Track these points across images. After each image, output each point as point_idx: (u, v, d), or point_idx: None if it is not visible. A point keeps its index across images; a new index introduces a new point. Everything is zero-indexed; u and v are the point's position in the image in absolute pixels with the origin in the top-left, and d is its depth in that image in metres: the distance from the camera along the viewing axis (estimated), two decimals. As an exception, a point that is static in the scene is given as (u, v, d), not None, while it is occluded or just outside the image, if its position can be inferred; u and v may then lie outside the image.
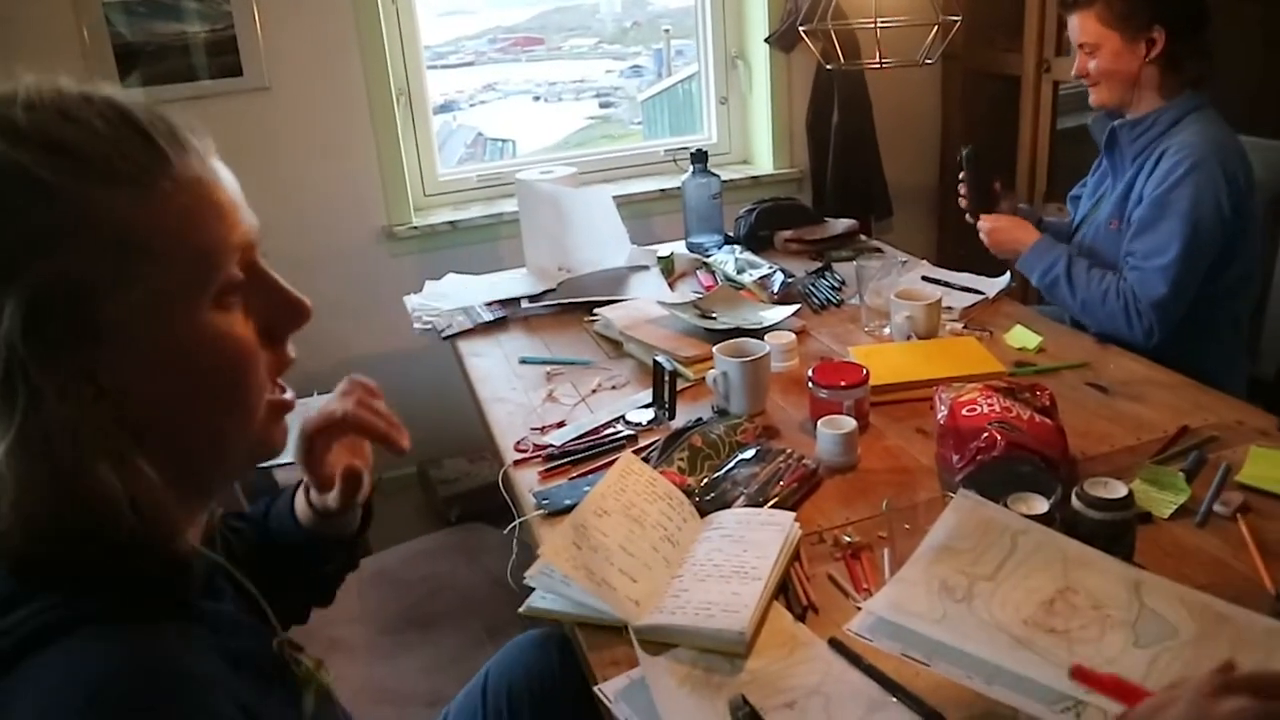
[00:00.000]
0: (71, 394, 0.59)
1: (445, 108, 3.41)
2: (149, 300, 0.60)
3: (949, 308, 1.96)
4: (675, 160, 3.22)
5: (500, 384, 1.83)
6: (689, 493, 1.33)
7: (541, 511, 1.36)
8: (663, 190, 3.11)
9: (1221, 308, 1.89)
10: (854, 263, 2.13)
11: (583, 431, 1.59)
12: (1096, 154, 2.11)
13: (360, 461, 0.95)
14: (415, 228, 2.94)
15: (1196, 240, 1.77)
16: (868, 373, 1.53)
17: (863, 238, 2.54)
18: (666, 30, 3.74)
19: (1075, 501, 1.09)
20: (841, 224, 2.52)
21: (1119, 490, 1.09)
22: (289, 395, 0.73)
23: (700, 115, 3.44)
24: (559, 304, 2.18)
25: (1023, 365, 1.72)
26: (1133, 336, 1.83)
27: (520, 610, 1.19)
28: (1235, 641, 0.90)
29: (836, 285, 2.17)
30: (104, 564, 0.61)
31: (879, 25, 1.99)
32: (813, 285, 2.16)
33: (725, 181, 2.57)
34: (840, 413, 1.47)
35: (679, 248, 2.47)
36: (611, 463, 1.35)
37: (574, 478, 1.45)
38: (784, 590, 1.15)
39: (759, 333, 1.80)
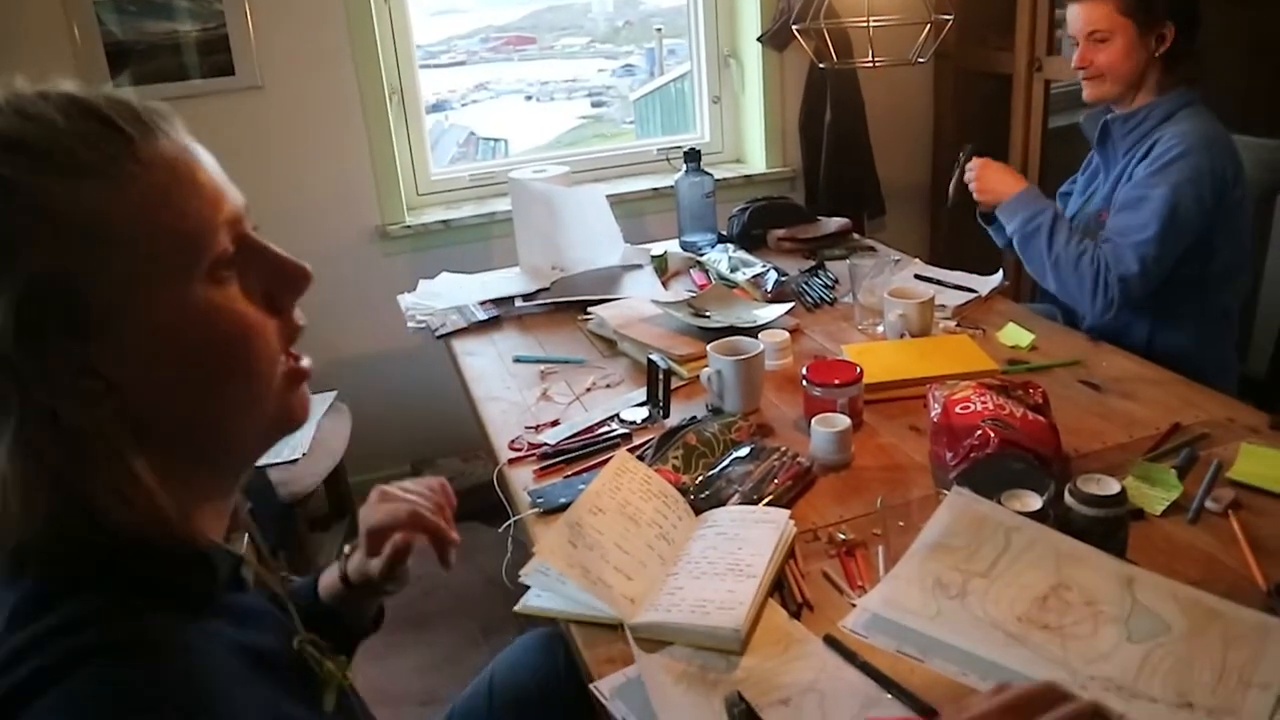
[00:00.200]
0: (77, 391, 0.59)
1: (437, 107, 3.40)
2: (134, 285, 0.60)
3: (942, 306, 1.96)
4: (668, 159, 3.22)
5: (494, 383, 1.83)
6: (684, 491, 1.33)
7: (536, 510, 1.36)
8: (655, 189, 3.11)
9: (1210, 301, 1.90)
10: (847, 261, 2.13)
11: (577, 430, 1.59)
12: (1087, 152, 2.12)
13: (412, 537, 1.00)
14: (408, 227, 2.94)
15: (1174, 223, 1.79)
16: (861, 371, 1.53)
17: (855, 236, 2.55)
18: (658, 29, 3.74)
19: (1068, 498, 1.10)
20: (834, 222, 2.53)
21: (1111, 487, 1.09)
22: (305, 363, 0.72)
23: (693, 114, 3.44)
24: (553, 303, 2.18)
25: (1015, 363, 1.73)
26: (1092, 307, 1.85)
27: (515, 609, 1.19)
28: (1226, 636, 0.90)
29: (830, 284, 2.17)
30: (124, 560, 0.61)
31: (871, 24, 1.99)
32: (806, 284, 2.16)
33: (718, 180, 2.57)
34: (834, 411, 1.48)
35: (672, 246, 2.47)
36: (606, 461, 1.35)
37: (569, 476, 1.46)
38: (779, 588, 1.16)
39: (753, 331, 1.81)
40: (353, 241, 2.91)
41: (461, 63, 3.69)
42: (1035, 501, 1.09)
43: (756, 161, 3.33)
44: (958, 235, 2.23)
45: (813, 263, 2.31)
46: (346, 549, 1.07)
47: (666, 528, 1.25)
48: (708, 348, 1.62)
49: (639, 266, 2.33)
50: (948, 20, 2.03)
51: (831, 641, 1.05)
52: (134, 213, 0.60)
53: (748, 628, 1.07)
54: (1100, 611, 0.94)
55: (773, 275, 2.14)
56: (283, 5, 2.68)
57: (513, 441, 1.58)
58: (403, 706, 1.94)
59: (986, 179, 2.04)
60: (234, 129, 2.68)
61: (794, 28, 2.36)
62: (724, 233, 2.54)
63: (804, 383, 1.53)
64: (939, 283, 2.12)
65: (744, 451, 1.41)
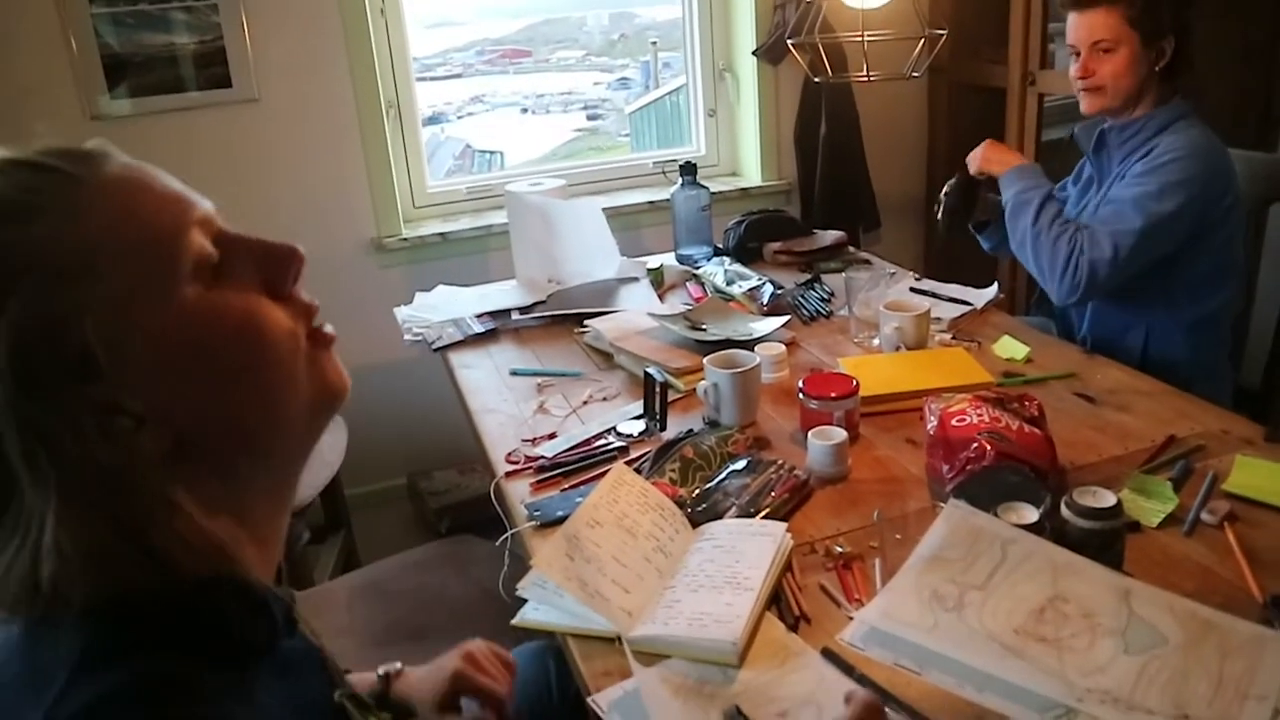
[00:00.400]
0: (107, 432, 0.57)
1: (433, 119, 3.41)
2: (123, 309, 0.58)
3: (937, 319, 1.97)
4: (664, 172, 3.23)
5: (491, 396, 1.83)
6: (681, 504, 1.33)
7: (533, 523, 1.36)
8: (651, 202, 3.13)
9: (1202, 308, 1.91)
10: (843, 274, 2.14)
11: (574, 443, 1.59)
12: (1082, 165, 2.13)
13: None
14: (405, 239, 2.94)
15: (1157, 221, 1.80)
16: (857, 384, 1.53)
17: (851, 249, 2.56)
18: (654, 42, 3.76)
19: (1064, 511, 1.10)
20: (830, 235, 2.54)
21: (1107, 499, 1.10)
22: (327, 329, 0.70)
23: (688, 127, 3.45)
24: (549, 316, 2.18)
25: (1011, 375, 1.73)
26: (1059, 286, 1.87)
27: (513, 622, 1.19)
28: (1222, 648, 0.91)
29: (825, 297, 2.18)
30: (184, 610, 0.60)
31: (866, 39, 2.00)
32: (802, 297, 2.17)
33: (714, 193, 2.58)
34: (831, 423, 1.48)
35: (668, 259, 2.48)
36: (603, 474, 1.35)
37: (566, 489, 1.46)
38: (776, 600, 1.16)
39: (749, 344, 1.81)
40: (349, 254, 2.91)
41: (458, 75, 3.70)
42: (1031, 514, 1.10)
43: (752, 175, 3.34)
44: (953, 248, 2.24)
45: (808, 276, 2.32)
46: (387, 671, 1.10)
47: (664, 540, 1.25)
48: (704, 360, 1.63)
49: (635, 279, 2.33)
50: (941, 35, 2.04)
51: (829, 654, 1.05)
52: (99, 238, 0.59)
53: (745, 641, 1.07)
54: (1097, 624, 0.94)
55: (769, 288, 2.14)
56: (279, 18, 2.69)
57: (510, 454, 1.58)
58: None
59: (991, 155, 2.07)
60: (230, 141, 2.69)
61: (789, 42, 2.37)
62: (720, 246, 2.54)
63: (800, 396, 1.53)
64: (934, 295, 2.13)
65: (741, 464, 1.41)
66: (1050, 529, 1.09)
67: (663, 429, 1.61)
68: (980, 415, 1.34)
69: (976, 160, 2.09)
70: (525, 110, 3.96)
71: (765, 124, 3.25)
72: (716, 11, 3.26)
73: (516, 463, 1.55)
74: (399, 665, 1.10)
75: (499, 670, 1.12)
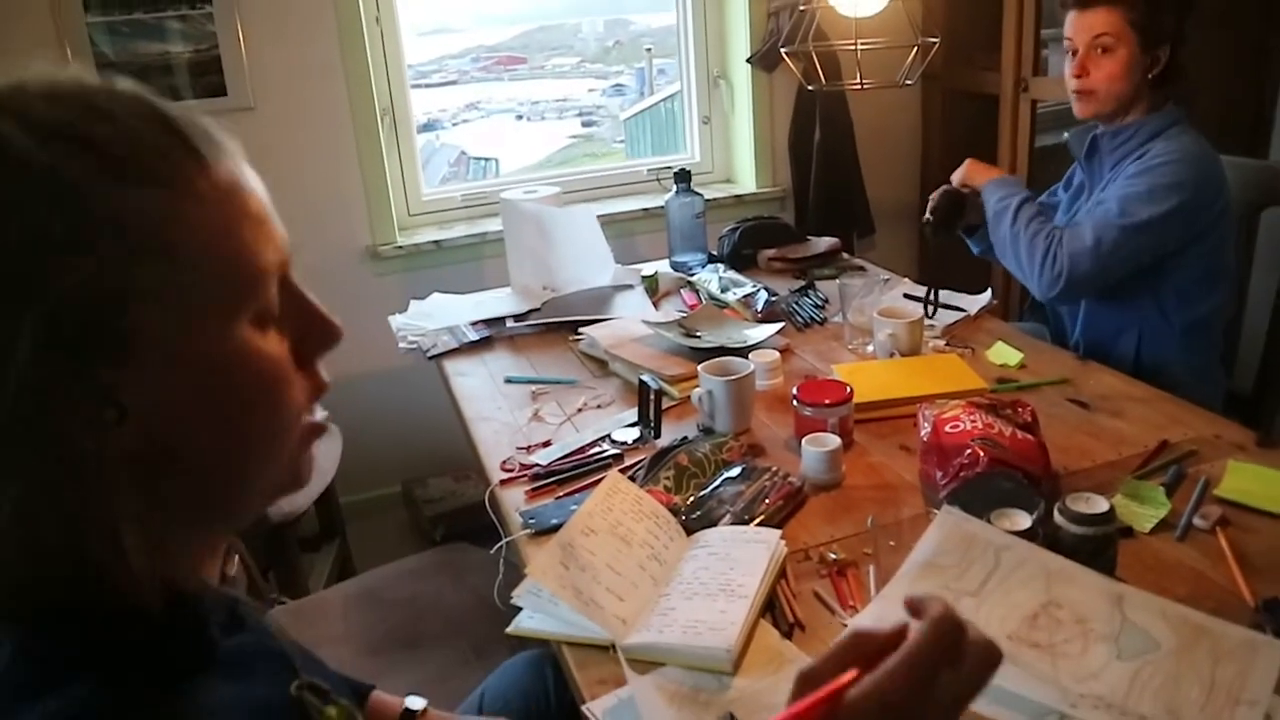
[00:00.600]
0: (91, 419, 0.53)
1: (428, 127, 3.42)
2: (181, 312, 0.55)
3: (931, 325, 1.98)
4: (658, 179, 3.24)
5: (486, 403, 1.83)
6: (675, 511, 1.34)
7: (528, 531, 1.36)
8: (646, 209, 3.13)
9: (1193, 311, 1.92)
10: (837, 281, 2.14)
11: (569, 451, 1.59)
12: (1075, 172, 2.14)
13: None
14: (400, 247, 2.94)
15: (1143, 220, 1.81)
16: (851, 390, 1.54)
17: (845, 256, 2.56)
18: (648, 49, 3.77)
19: (1057, 517, 1.10)
20: (824, 242, 2.54)
21: (1100, 505, 1.10)
22: (321, 419, 0.68)
23: (683, 134, 3.46)
24: (544, 323, 2.18)
25: (1004, 382, 1.74)
26: (1040, 279, 1.89)
27: (508, 630, 1.19)
28: (1214, 653, 0.91)
29: (819, 303, 2.18)
30: (119, 623, 0.56)
31: (859, 47, 2.01)
32: (796, 303, 2.18)
33: (708, 200, 2.59)
34: (824, 430, 1.48)
35: (663, 267, 2.48)
36: (598, 482, 1.35)
37: (560, 497, 1.46)
38: (770, 608, 1.16)
39: (743, 351, 1.82)
40: (344, 262, 2.91)
41: (452, 82, 3.71)
42: (1025, 520, 1.10)
43: (746, 182, 3.35)
44: (946, 255, 2.25)
45: (803, 282, 2.33)
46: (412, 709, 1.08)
47: (658, 548, 1.25)
48: (699, 368, 1.63)
49: (630, 287, 2.34)
50: (934, 43, 2.05)
51: (823, 661, 1.05)
52: (197, 235, 0.56)
53: (740, 648, 1.07)
54: (1090, 629, 0.94)
55: (763, 295, 2.15)
56: (275, 26, 2.69)
57: (504, 462, 1.58)
58: (394, 728, 1.92)
59: (973, 170, 2.10)
60: (225, 150, 2.69)
61: (783, 50, 2.38)
62: (714, 253, 2.55)
63: (794, 402, 1.54)
64: (929, 302, 2.13)
65: (735, 471, 1.42)
66: (1044, 535, 1.09)
67: (657, 436, 1.61)
68: (974, 421, 1.35)
69: (961, 174, 2.11)
70: (520, 117, 3.97)
71: (759, 131, 3.26)
72: (711, 19, 3.27)
73: (511, 470, 1.55)
74: (425, 705, 1.08)
75: None
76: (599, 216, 2.38)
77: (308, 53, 2.75)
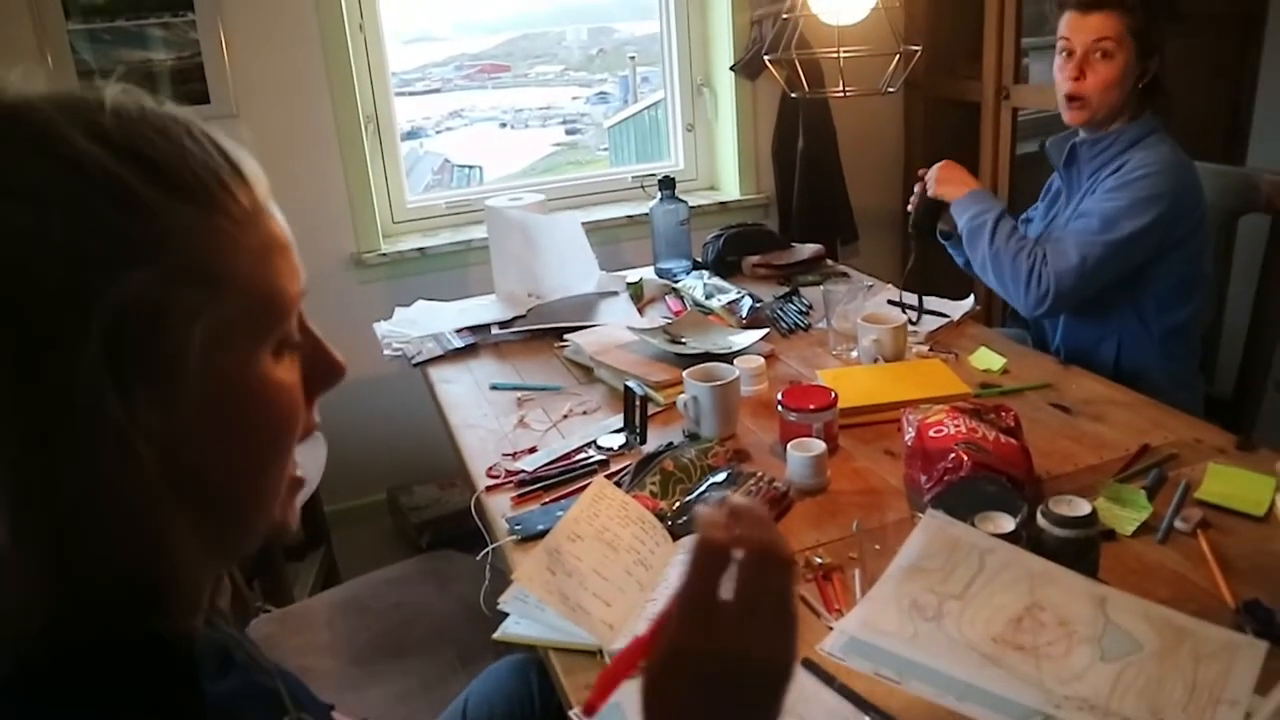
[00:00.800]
0: (123, 438, 0.51)
1: (412, 134, 3.42)
2: (215, 335, 0.54)
3: (915, 331, 1.99)
4: (643, 186, 3.24)
5: (471, 410, 1.83)
6: (661, 516, 1.34)
7: (514, 537, 1.36)
8: (630, 216, 3.14)
9: (1173, 318, 1.94)
10: (821, 287, 2.15)
11: (555, 457, 1.59)
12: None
13: None
14: (384, 255, 2.94)
15: (1126, 234, 1.83)
16: (836, 396, 1.55)
17: (829, 262, 2.58)
18: (632, 57, 3.78)
19: (1040, 520, 1.11)
20: (808, 249, 2.56)
21: (1083, 508, 1.11)
22: (300, 472, 0.65)
23: (667, 142, 3.47)
24: (529, 330, 2.19)
25: (988, 387, 1.75)
26: (1025, 298, 1.89)
27: (495, 636, 1.19)
28: (1196, 654, 0.92)
29: (804, 309, 2.19)
30: (110, 674, 0.54)
31: (842, 55, 2.03)
32: (780, 310, 2.18)
33: (693, 207, 2.59)
34: (810, 435, 1.49)
35: (647, 273, 2.49)
36: (584, 488, 1.35)
37: (546, 503, 1.46)
38: (757, 612, 1.16)
39: (728, 357, 1.82)
40: (328, 269, 2.91)
41: (436, 90, 3.71)
42: (1008, 523, 1.11)
43: (730, 189, 3.37)
44: (929, 261, 2.27)
45: (787, 289, 2.34)
46: None
47: (644, 553, 1.25)
48: (684, 374, 1.64)
49: (615, 293, 2.34)
50: (916, 51, 2.07)
51: (809, 664, 1.05)
52: (240, 261, 0.55)
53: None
54: (1073, 631, 0.95)
55: (747, 301, 2.16)
56: (258, 34, 2.69)
57: (490, 469, 1.58)
58: (379, 737, 1.92)
59: (945, 178, 2.09)
60: (208, 157, 2.68)
61: (766, 58, 2.39)
62: (699, 259, 2.56)
63: (779, 408, 1.54)
64: (912, 308, 2.14)
65: (721, 477, 1.42)
66: (1027, 538, 1.10)
67: (643, 442, 1.61)
68: (957, 426, 1.36)
69: (933, 181, 2.11)
70: (504, 125, 3.97)
71: (743, 138, 3.27)
72: (694, 27, 3.28)
73: (497, 477, 1.55)
74: None
75: None
76: (584, 223, 2.38)
77: (291, 60, 2.74)
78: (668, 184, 2.48)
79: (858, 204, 3.30)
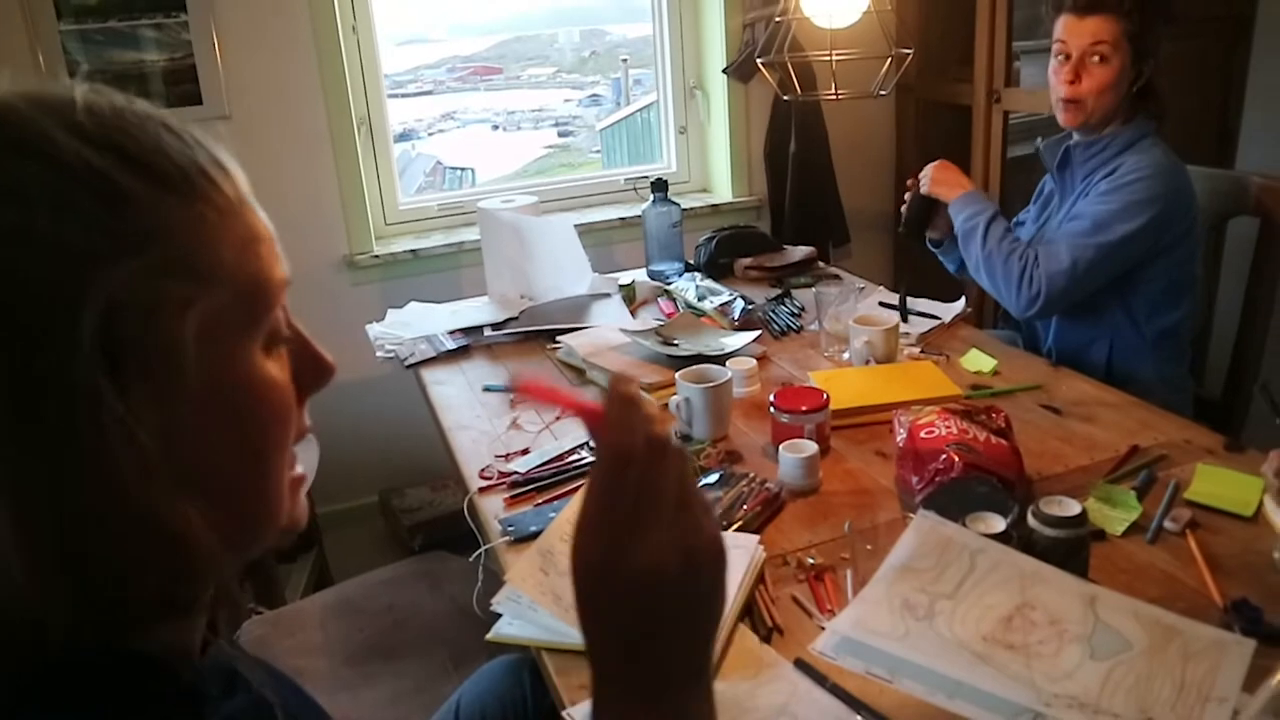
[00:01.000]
0: (121, 433, 0.50)
1: (404, 136, 3.42)
2: (207, 327, 0.53)
3: (906, 333, 1.99)
4: (635, 189, 3.25)
5: (464, 412, 1.83)
6: (654, 517, 1.34)
7: (507, 538, 1.36)
8: (623, 219, 3.14)
9: (1164, 320, 1.95)
10: (813, 289, 2.16)
11: (547, 458, 1.59)
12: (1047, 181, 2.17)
13: None
14: (377, 256, 2.94)
15: (1118, 237, 1.84)
16: (828, 397, 1.55)
17: (821, 264, 2.58)
18: (624, 60, 3.78)
19: (1031, 520, 1.12)
20: (800, 251, 2.56)
21: (1073, 508, 1.11)
22: (301, 470, 0.64)
23: (659, 144, 3.48)
24: (521, 332, 2.19)
25: (978, 388, 1.76)
26: (1017, 300, 1.91)
27: (488, 637, 1.19)
28: (1185, 652, 0.93)
29: (796, 311, 2.20)
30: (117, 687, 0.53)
31: (835, 58, 2.03)
32: (773, 311, 2.19)
33: (685, 210, 2.60)
34: (802, 437, 1.49)
35: (640, 275, 2.49)
36: (577, 489, 1.36)
37: (539, 504, 1.46)
38: (749, 612, 1.17)
39: (720, 359, 1.83)
40: (321, 271, 2.90)
41: (429, 92, 3.71)
42: (999, 524, 1.11)
43: (723, 191, 3.37)
44: (921, 263, 2.28)
45: (779, 291, 2.34)
46: None
47: (637, 554, 1.25)
48: (676, 375, 1.64)
49: (607, 295, 2.35)
50: (908, 54, 2.08)
51: (802, 664, 1.06)
52: (225, 252, 0.55)
53: (719, 652, 1.07)
54: (1064, 630, 0.96)
55: (740, 303, 2.16)
56: (251, 35, 2.69)
57: (483, 470, 1.58)
58: (372, 739, 1.92)
59: (940, 178, 2.10)
60: (201, 159, 2.67)
61: (758, 60, 2.40)
62: (691, 261, 2.56)
63: (772, 410, 1.55)
64: (893, 307, 2.15)
65: (713, 478, 1.42)
66: (1017, 538, 1.11)
67: (636, 443, 1.61)
68: (948, 427, 1.36)
69: (927, 181, 2.12)
70: (496, 127, 3.97)
71: (735, 141, 3.28)
72: (687, 30, 3.29)
73: (490, 478, 1.55)
74: None
75: None
76: (576, 226, 2.39)
77: (284, 62, 2.74)
78: (660, 186, 2.49)
79: (850, 206, 3.31)
